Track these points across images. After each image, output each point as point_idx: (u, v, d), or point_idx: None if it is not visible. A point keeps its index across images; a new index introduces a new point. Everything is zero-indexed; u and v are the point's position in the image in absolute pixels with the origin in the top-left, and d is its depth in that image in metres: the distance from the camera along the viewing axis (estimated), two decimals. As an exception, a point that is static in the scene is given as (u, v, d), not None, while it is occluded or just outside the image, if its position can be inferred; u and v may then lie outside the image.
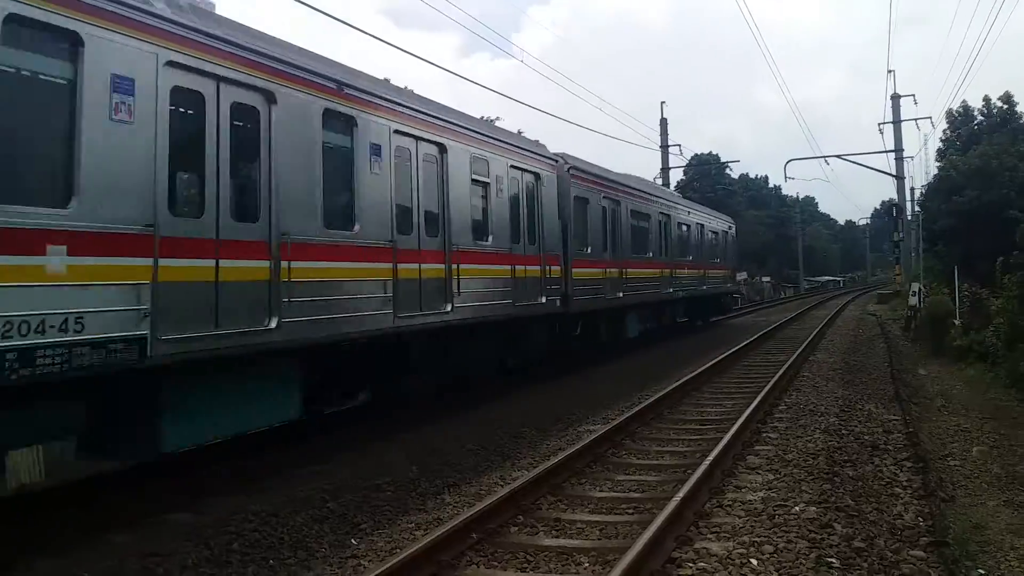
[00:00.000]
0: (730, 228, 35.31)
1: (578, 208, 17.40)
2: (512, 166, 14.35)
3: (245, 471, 9.12)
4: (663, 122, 45.49)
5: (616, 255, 19.49)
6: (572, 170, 17.31)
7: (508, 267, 13.86)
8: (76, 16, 6.43)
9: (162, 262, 7.07)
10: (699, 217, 29.67)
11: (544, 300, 15.05)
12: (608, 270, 18.83)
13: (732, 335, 27.31)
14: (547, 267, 15.34)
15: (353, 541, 7.02)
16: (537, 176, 15.39)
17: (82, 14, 6.48)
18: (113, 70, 6.75)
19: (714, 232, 31.74)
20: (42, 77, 6.46)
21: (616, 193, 20.08)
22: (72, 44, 6.46)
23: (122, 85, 6.81)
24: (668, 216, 24.66)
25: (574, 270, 16.57)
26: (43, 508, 7.80)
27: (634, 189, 22.12)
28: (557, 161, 16.65)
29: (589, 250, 17.82)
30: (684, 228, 26.87)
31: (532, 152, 15.58)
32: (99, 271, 6.54)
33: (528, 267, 14.57)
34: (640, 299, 21.43)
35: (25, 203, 6.07)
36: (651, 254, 22.71)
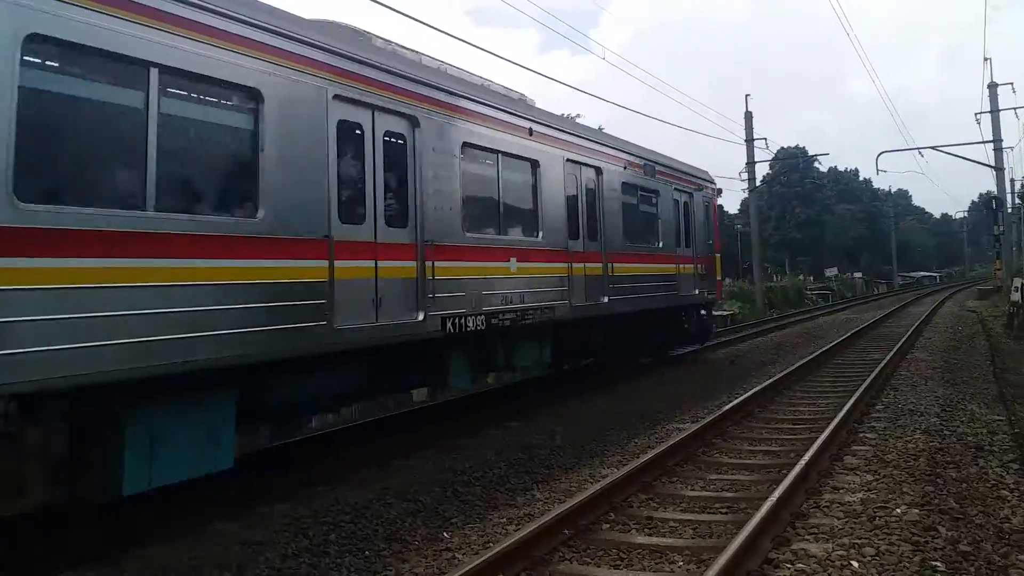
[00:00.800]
0: (701, 190, 19.74)
1: None
2: None
3: (339, 464, 9.36)
4: (748, 115, 44.59)
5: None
6: None
7: None
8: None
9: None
10: (604, 159, 14.55)
11: None
12: None
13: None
14: None
15: (445, 535, 7.10)
16: None
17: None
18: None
19: (650, 192, 16.64)
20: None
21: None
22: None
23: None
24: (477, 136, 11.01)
25: None
26: (149, 497, 8.16)
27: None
28: None
29: None
30: (543, 175, 12.42)
31: None
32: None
33: None
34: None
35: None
36: (368, 224, 8.98)
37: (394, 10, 13.71)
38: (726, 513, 7.34)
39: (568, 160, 13.22)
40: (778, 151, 67.23)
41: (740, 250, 64.04)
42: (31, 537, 7.07)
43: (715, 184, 21.52)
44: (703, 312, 20.24)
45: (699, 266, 18.86)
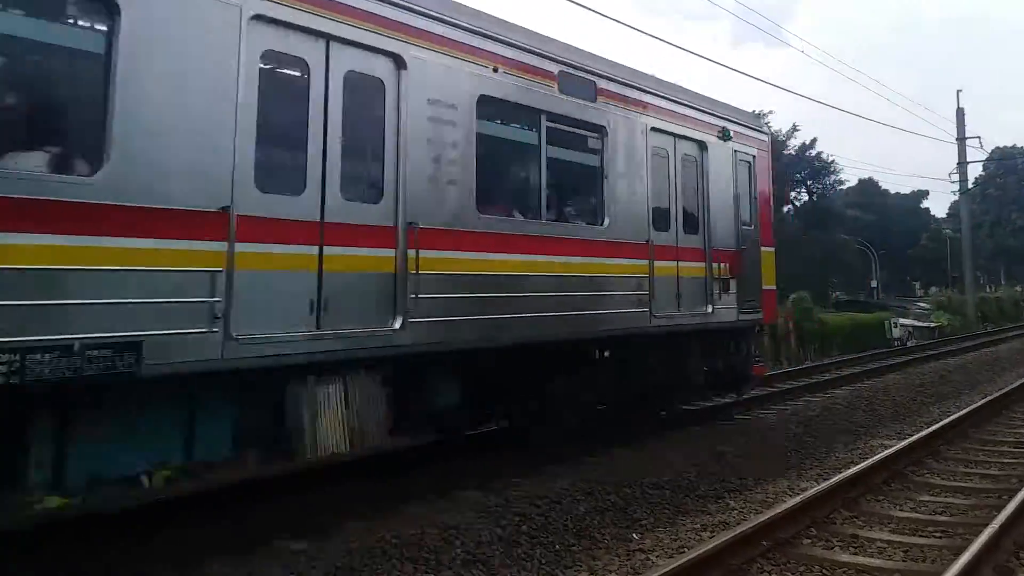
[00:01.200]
0: (727, 140, 11.75)
1: None
2: None
3: (526, 456, 9.45)
4: (959, 112, 41.45)
5: None
6: None
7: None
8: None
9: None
10: (414, 39, 7.27)
11: None
12: None
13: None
14: None
15: (635, 536, 7.02)
16: None
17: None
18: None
19: (578, 127, 9.55)
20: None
21: None
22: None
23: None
24: None
25: None
26: (346, 478, 8.61)
27: None
28: None
29: None
30: (128, 29, 5.35)
31: None
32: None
33: None
34: None
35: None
36: None
37: (593, 10, 13.74)
38: (940, 537, 6.82)
39: (258, 18, 6.13)
40: (992, 151, 62.09)
41: (949, 257, 59.76)
42: (245, 504, 7.64)
43: (764, 133, 13.30)
44: (732, 344, 12.12)
45: (720, 266, 11.29)
